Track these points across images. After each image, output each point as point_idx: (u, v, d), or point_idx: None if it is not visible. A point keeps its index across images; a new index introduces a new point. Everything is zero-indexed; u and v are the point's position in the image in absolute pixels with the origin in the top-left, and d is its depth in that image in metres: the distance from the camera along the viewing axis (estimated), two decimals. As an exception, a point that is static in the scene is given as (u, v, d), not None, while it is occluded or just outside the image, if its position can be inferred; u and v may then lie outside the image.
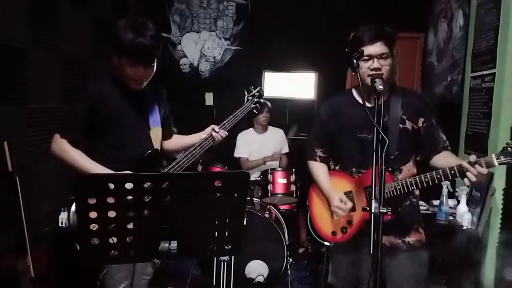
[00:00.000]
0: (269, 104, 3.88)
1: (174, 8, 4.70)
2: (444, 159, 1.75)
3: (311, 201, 2.02)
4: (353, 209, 1.84)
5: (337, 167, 1.96)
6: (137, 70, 1.79)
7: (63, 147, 1.82)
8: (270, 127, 4.03)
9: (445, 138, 1.83)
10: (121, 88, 1.88)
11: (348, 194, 1.88)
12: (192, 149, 1.98)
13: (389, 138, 1.68)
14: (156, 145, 1.96)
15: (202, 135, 2.05)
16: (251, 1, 4.61)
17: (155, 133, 1.98)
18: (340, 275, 1.96)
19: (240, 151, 3.94)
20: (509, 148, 1.52)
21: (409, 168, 1.83)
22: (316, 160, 1.99)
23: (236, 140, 3.97)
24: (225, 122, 2.07)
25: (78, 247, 1.73)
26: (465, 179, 1.56)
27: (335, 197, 1.86)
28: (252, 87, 2.27)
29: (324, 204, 1.95)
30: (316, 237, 1.97)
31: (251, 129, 3.99)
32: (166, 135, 2.13)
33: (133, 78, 1.82)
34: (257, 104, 2.23)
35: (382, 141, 1.47)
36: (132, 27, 1.74)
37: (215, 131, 2.01)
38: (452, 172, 1.59)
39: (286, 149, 4.04)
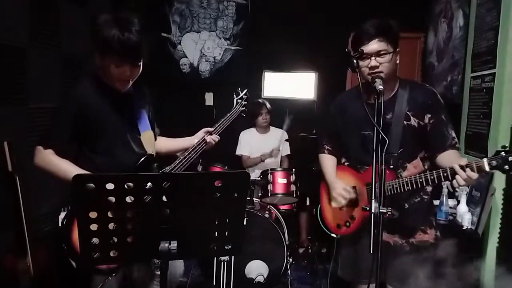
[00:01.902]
0: (267, 104, 3.89)
1: (174, 8, 4.70)
2: (447, 159, 1.71)
3: (322, 194, 2.08)
4: (356, 204, 1.85)
5: (346, 163, 1.98)
6: (124, 69, 1.65)
7: (48, 159, 1.66)
8: (272, 128, 4.03)
9: (454, 135, 1.77)
10: (106, 91, 1.73)
11: (352, 189, 1.89)
12: (186, 153, 1.94)
13: (393, 135, 1.68)
14: (149, 150, 1.85)
15: (194, 139, 2.01)
16: (251, 1, 4.60)
17: (147, 137, 1.86)
18: (348, 268, 1.98)
19: (242, 149, 3.96)
20: (502, 153, 1.43)
21: (415, 165, 1.80)
22: (324, 153, 2.05)
23: (237, 139, 3.98)
24: (217, 126, 2.09)
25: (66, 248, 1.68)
26: (454, 182, 1.52)
27: (337, 186, 1.89)
28: (239, 88, 2.35)
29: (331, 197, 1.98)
30: (325, 229, 2.04)
31: (253, 128, 4.00)
32: None
33: (119, 78, 1.68)
34: (245, 107, 2.30)
35: (382, 140, 1.47)
36: (116, 22, 1.59)
37: (209, 135, 2.01)
38: (445, 174, 1.56)
39: (287, 151, 4.04)
